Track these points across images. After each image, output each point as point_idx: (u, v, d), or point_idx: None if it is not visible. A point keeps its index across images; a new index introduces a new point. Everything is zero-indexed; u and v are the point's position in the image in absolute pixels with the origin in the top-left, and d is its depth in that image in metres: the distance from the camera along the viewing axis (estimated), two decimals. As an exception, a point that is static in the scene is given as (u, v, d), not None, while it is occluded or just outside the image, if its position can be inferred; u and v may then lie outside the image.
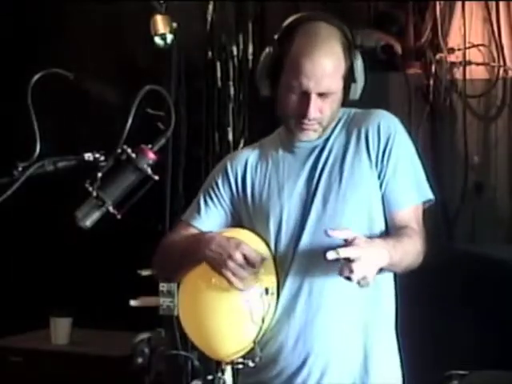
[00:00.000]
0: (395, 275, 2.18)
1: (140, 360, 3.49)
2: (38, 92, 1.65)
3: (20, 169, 1.63)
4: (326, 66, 2.05)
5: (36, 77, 1.65)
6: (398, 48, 3.76)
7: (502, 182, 3.68)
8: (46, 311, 4.09)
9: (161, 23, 3.85)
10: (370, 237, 2.04)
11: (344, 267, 1.88)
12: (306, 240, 2.11)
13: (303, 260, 2.10)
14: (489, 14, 3.66)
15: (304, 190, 2.15)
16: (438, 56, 3.70)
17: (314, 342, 2.10)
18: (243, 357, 2.11)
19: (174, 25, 3.87)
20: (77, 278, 4.33)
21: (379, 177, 2.13)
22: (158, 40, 3.87)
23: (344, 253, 1.87)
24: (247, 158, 2.26)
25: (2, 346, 4.08)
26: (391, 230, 2.12)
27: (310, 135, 2.14)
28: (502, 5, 3.66)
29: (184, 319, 2.19)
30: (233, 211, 2.25)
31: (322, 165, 2.15)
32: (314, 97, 2.07)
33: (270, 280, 2.10)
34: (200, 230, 2.23)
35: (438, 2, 3.68)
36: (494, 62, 3.67)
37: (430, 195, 2.18)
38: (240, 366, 2.12)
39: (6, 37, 4.49)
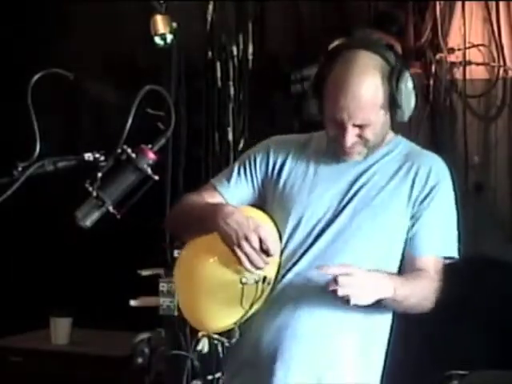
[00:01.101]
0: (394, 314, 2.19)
1: (140, 360, 3.50)
2: (38, 92, 1.65)
3: (20, 169, 1.63)
4: (361, 99, 2.04)
5: (36, 77, 1.65)
6: (398, 48, 3.75)
7: (502, 182, 3.68)
8: (46, 311, 4.09)
9: (161, 23, 3.85)
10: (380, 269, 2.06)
11: (331, 281, 1.91)
12: (321, 245, 2.11)
13: (312, 263, 2.09)
14: (489, 13, 3.66)
15: (336, 198, 2.15)
16: (438, 56, 3.70)
17: (289, 347, 2.09)
18: (221, 334, 2.12)
19: (174, 25, 3.87)
20: (77, 277, 4.33)
21: (413, 217, 2.13)
22: (158, 40, 3.87)
23: (333, 270, 1.92)
24: (291, 146, 2.25)
25: (2, 346, 4.08)
26: (407, 272, 2.11)
27: (354, 157, 2.14)
28: (502, 5, 3.65)
29: (178, 287, 2.25)
30: (261, 191, 2.24)
31: (363, 182, 2.15)
32: (350, 128, 2.07)
33: (271, 270, 2.10)
34: (224, 196, 2.23)
35: (437, 2, 3.68)
36: (494, 61, 3.67)
37: (454, 253, 2.17)
38: (215, 342, 2.13)
39: (6, 37, 4.49)
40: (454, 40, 3.71)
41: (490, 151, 3.70)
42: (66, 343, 4.08)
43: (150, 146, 1.73)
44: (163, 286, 3.51)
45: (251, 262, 2.01)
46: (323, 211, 2.14)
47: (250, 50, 3.97)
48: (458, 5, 3.69)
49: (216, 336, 2.13)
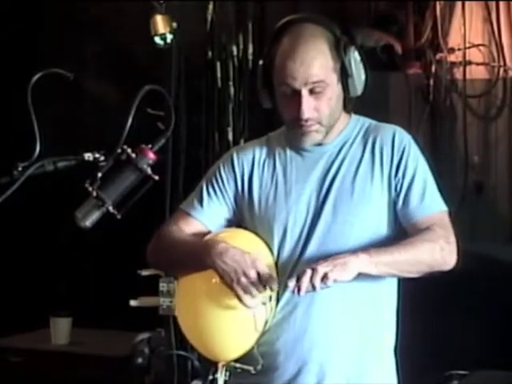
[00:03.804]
0: (399, 290, 2.17)
1: (140, 360, 3.50)
2: (38, 92, 1.65)
3: (20, 169, 1.62)
4: (310, 62, 2.03)
5: (36, 77, 1.65)
6: (398, 48, 3.76)
7: (501, 181, 3.68)
8: (46, 311, 4.09)
9: (161, 23, 3.86)
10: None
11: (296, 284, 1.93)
12: (312, 248, 2.08)
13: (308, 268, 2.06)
14: (489, 14, 3.66)
15: (313, 196, 2.12)
16: (438, 56, 3.70)
17: (311, 350, 2.08)
18: (242, 362, 2.08)
19: (174, 25, 3.87)
20: (77, 277, 4.33)
21: (395, 189, 2.11)
22: (158, 40, 3.87)
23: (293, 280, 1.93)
24: (254, 153, 2.21)
25: (2, 346, 4.08)
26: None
27: (313, 136, 2.10)
28: (502, 5, 3.66)
29: (183, 320, 2.16)
30: (235, 208, 2.20)
31: (334, 173, 2.12)
32: (305, 94, 2.04)
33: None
34: (201, 222, 2.18)
35: (437, 2, 3.68)
36: (494, 62, 3.67)
37: (443, 206, 2.16)
38: (239, 371, 2.09)
39: (6, 37, 4.49)
40: (454, 40, 3.71)
41: (490, 151, 3.70)
42: (66, 343, 4.08)
43: (149, 145, 1.73)
44: (163, 286, 3.51)
45: (250, 295, 1.97)
46: (304, 215, 2.11)
47: (250, 50, 3.97)
48: (458, 5, 3.69)
49: (239, 365, 2.08)
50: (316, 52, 2.05)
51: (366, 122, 2.21)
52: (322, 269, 1.92)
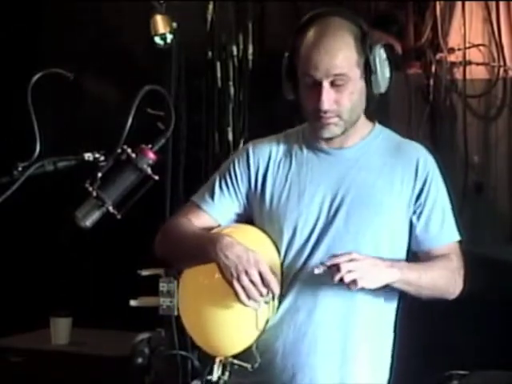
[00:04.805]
0: (399, 303, 2.18)
1: (140, 360, 3.49)
2: (38, 92, 1.65)
3: (20, 169, 1.63)
4: (335, 53, 2.03)
5: (36, 77, 1.65)
6: (398, 48, 3.76)
7: (501, 182, 3.68)
8: (46, 311, 4.09)
9: (161, 23, 3.86)
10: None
11: (335, 271, 1.92)
12: (320, 254, 2.06)
13: (313, 273, 2.04)
14: (489, 14, 3.66)
15: (326, 200, 2.11)
16: (438, 56, 3.70)
17: (309, 355, 2.08)
18: (240, 359, 2.08)
19: (174, 25, 3.87)
20: (77, 277, 4.33)
21: (414, 212, 2.11)
22: (158, 40, 3.87)
23: (331, 261, 1.92)
24: (271, 150, 2.19)
25: (2, 346, 4.08)
26: None
27: (332, 129, 2.08)
28: (502, 5, 3.65)
29: (185, 315, 2.17)
30: (246, 204, 2.19)
31: (351, 181, 2.11)
32: (326, 86, 2.03)
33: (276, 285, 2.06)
34: (211, 216, 2.18)
35: (437, 2, 3.68)
36: (494, 62, 3.67)
37: (458, 236, 2.18)
38: (236, 368, 2.09)
39: (6, 37, 4.49)
40: (454, 40, 3.71)
41: (490, 151, 3.70)
42: (66, 343, 4.08)
43: (149, 145, 1.73)
44: (163, 286, 3.51)
45: (249, 296, 1.97)
46: (315, 217, 2.10)
47: (250, 50, 3.97)
48: (458, 5, 3.69)
49: (237, 362, 2.08)
50: (342, 44, 2.04)
51: (391, 134, 2.21)
52: (358, 273, 1.92)
